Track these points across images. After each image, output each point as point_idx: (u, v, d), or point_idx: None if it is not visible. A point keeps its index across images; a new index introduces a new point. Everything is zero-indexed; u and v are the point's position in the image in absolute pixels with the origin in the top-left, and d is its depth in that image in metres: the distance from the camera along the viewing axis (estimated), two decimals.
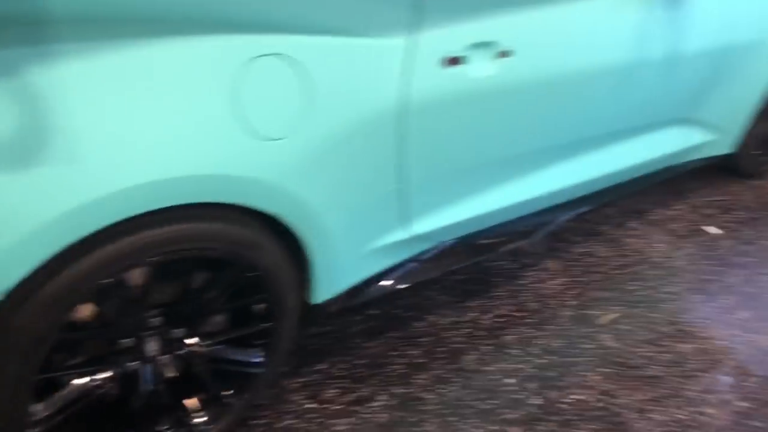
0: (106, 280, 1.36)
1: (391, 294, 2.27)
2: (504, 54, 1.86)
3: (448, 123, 1.83)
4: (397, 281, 2.02)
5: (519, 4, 1.89)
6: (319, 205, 1.63)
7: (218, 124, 1.40)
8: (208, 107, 1.39)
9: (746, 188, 3.22)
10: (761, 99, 2.86)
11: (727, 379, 2.12)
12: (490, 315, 2.32)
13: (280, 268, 1.64)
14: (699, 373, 2.17)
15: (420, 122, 1.77)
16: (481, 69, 1.83)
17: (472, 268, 2.51)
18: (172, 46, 1.34)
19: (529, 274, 2.53)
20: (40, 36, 1.22)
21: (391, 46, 1.68)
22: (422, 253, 2.09)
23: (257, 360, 1.75)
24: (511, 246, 2.28)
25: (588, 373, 2.13)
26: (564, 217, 2.41)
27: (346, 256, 1.81)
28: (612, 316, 2.37)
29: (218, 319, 1.70)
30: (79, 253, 1.30)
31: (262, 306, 1.69)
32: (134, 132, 1.30)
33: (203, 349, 1.66)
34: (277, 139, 1.50)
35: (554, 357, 2.18)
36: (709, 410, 2.04)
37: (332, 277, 1.81)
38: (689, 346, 2.28)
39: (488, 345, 2.20)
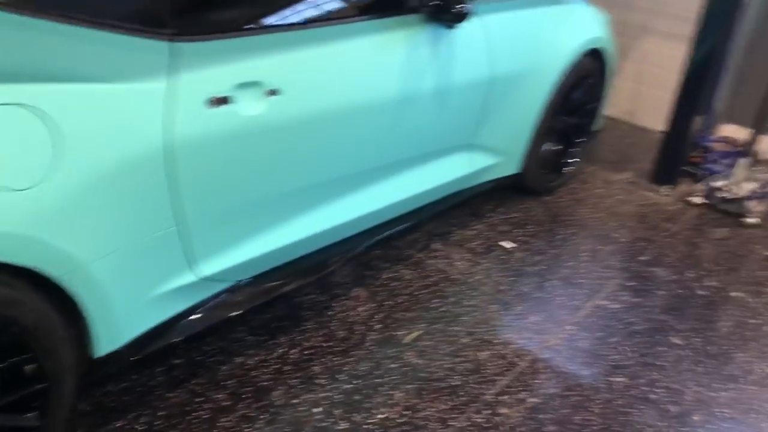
0: None
1: (194, 340, 2.25)
2: (272, 92, 1.94)
3: (219, 161, 1.86)
4: (188, 327, 2.00)
5: (284, 45, 1.98)
6: (83, 253, 1.59)
7: None
8: None
9: (538, 204, 3.52)
10: (537, 122, 3.17)
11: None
12: (298, 348, 2.35)
13: (48, 323, 1.57)
14: (496, 378, 2.32)
15: (190, 162, 1.79)
16: (248, 108, 1.89)
17: (281, 305, 2.53)
18: None
19: (338, 304, 2.59)
20: None
21: (150, 90, 1.69)
22: (217, 294, 2.09)
23: (34, 425, 1.65)
24: (305, 281, 2.34)
25: (393, 392, 2.21)
26: (362, 245, 2.51)
27: (126, 305, 1.77)
28: (415, 333, 2.49)
29: None
30: None
31: (32, 366, 1.60)
32: None
33: None
34: (24, 190, 1.45)
35: (360, 381, 2.24)
36: (504, 410, 2.19)
37: (113, 327, 1.76)
38: (486, 353, 2.43)
39: (296, 378, 2.22)
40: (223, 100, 1.83)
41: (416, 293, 2.71)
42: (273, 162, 2.01)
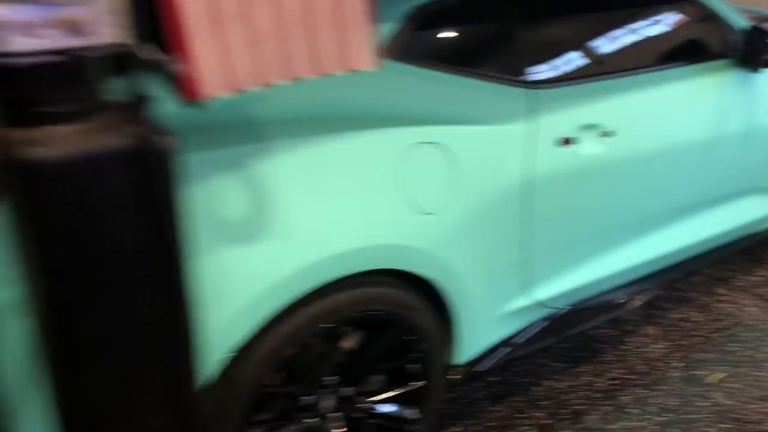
0: (306, 340, 1.57)
1: (508, 362, 2.43)
2: (606, 134, 2.11)
3: (564, 196, 2.06)
4: (518, 348, 2.19)
5: (616, 90, 2.16)
6: (463, 270, 1.84)
7: (388, 202, 1.65)
8: (381, 188, 1.64)
9: None
10: None
11: None
12: (603, 378, 2.45)
13: (434, 329, 1.83)
14: None
15: (542, 196, 2.00)
16: (589, 147, 2.07)
17: (576, 338, 2.65)
18: (352, 139, 1.62)
19: (632, 339, 2.66)
20: (258, 135, 1.50)
21: (514, 131, 1.94)
22: (539, 320, 2.26)
23: (414, 417, 1.90)
24: (615, 314, 2.45)
25: (709, 429, 2.22)
26: (660, 285, 2.57)
27: (483, 319, 1.99)
28: (720, 375, 2.48)
29: (378, 379, 1.87)
30: (287, 314, 1.52)
31: (417, 365, 1.87)
32: (329, 212, 1.55)
33: (368, 407, 1.83)
34: (432, 214, 1.73)
35: (672, 415, 2.28)
36: None
37: (471, 340, 1.99)
38: None
39: (607, 406, 2.32)
40: (568, 141, 2.03)
41: (710, 335, 2.70)
42: (606, 197, 2.17)
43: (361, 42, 1.25)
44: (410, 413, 1.90)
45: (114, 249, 1.06)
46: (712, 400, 2.36)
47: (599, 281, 2.32)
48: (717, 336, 2.70)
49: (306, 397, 1.72)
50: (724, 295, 2.98)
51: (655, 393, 2.38)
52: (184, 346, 1.19)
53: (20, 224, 1.03)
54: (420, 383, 1.88)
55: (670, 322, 2.78)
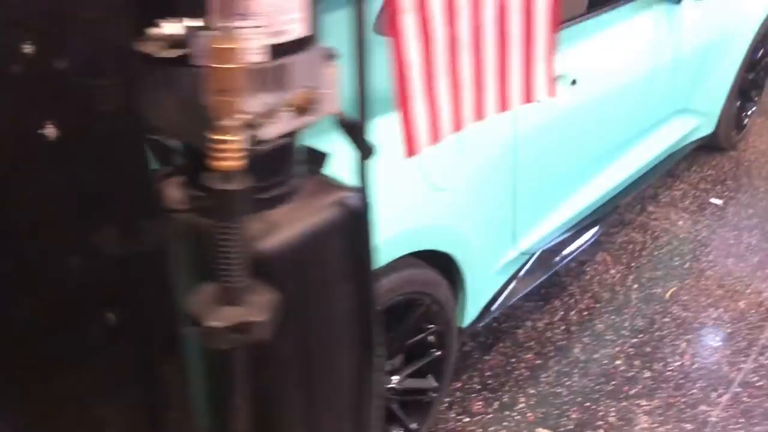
0: None
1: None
2: (573, 82, 2.16)
3: (540, 148, 2.11)
4: (508, 297, 2.26)
5: (576, 38, 2.21)
6: (470, 238, 1.86)
7: (414, 185, 1.62)
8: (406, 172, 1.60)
9: (727, 160, 3.67)
10: (733, 83, 3.32)
11: None
12: (575, 310, 2.60)
13: (449, 299, 1.86)
14: (762, 323, 2.53)
15: (523, 152, 2.03)
16: (561, 97, 2.11)
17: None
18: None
19: (590, 268, 2.83)
20: None
21: None
22: (520, 267, 2.34)
23: (434, 386, 1.94)
24: (582, 246, 2.58)
25: (677, 342, 2.44)
26: (611, 210, 2.74)
27: (484, 279, 2.04)
28: (672, 290, 2.71)
29: (400, 358, 1.88)
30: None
31: (433, 337, 1.89)
32: None
33: (393, 386, 1.85)
34: (445, 189, 1.72)
35: (644, 335, 2.48)
36: None
37: (477, 301, 2.03)
38: (743, 302, 2.64)
39: (586, 336, 2.48)
40: None
41: (655, 253, 2.93)
42: (573, 142, 2.26)
43: (546, 74, 1.21)
44: (429, 383, 1.94)
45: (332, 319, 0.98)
46: (672, 315, 2.58)
47: (570, 220, 2.43)
48: (659, 253, 2.93)
49: None
50: (654, 212, 3.22)
51: (623, 317, 2.57)
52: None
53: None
54: (437, 353, 1.92)
55: (617, 246, 2.97)
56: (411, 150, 1.16)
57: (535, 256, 2.38)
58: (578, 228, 2.58)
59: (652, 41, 2.56)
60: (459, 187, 1.77)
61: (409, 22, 0.98)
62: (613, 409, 2.18)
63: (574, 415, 2.16)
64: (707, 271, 2.82)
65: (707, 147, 3.65)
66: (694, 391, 2.26)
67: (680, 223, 3.13)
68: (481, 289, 2.03)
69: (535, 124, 2.03)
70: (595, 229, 2.66)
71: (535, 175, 2.13)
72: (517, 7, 1.16)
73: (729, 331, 2.50)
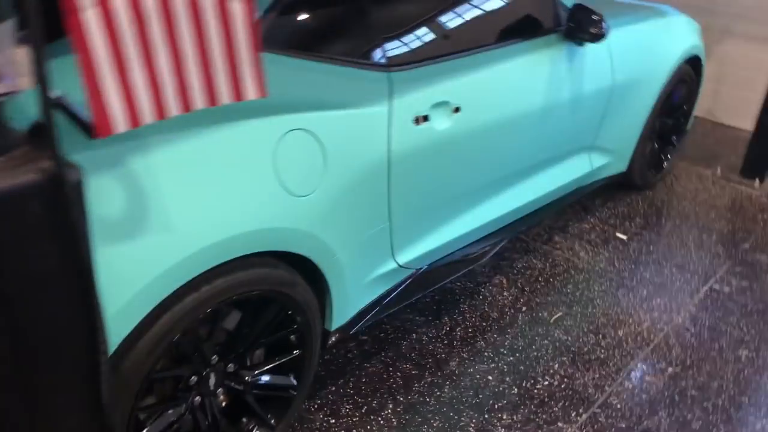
0: (192, 324, 1.65)
1: (377, 321, 2.63)
2: (456, 110, 2.31)
3: (421, 169, 2.24)
4: (384, 308, 2.38)
5: (464, 68, 2.35)
6: (335, 245, 1.98)
7: (265, 189, 1.74)
8: (257, 176, 1.72)
9: (641, 198, 3.84)
10: (645, 123, 3.50)
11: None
12: (462, 327, 2.72)
13: (310, 300, 1.97)
14: (636, 351, 2.66)
15: (401, 171, 2.17)
16: (441, 123, 2.26)
17: (439, 291, 2.91)
18: (226, 130, 1.68)
19: (485, 289, 2.96)
20: (135, 132, 1.53)
21: (376, 113, 2.07)
22: (401, 281, 2.47)
23: (293, 383, 2.05)
24: (469, 267, 2.71)
25: (551, 363, 2.57)
26: (506, 238, 2.87)
27: (354, 286, 2.16)
28: (558, 315, 2.84)
29: (259, 352, 1.99)
30: (171, 303, 1.59)
31: (294, 336, 2.00)
32: (209, 201, 1.62)
33: (251, 379, 1.95)
34: (305, 196, 1.85)
35: (520, 354, 2.60)
36: (649, 378, 2.53)
37: (344, 306, 2.15)
38: (623, 330, 2.77)
39: (466, 352, 2.59)
40: (424, 118, 2.20)
41: (551, 280, 3.06)
42: (457, 167, 2.39)
43: (252, 73, 1.33)
44: (288, 380, 2.05)
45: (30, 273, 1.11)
46: (552, 338, 2.71)
47: (454, 241, 2.56)
48: (555, 281, 3.07)
49: (192, 377, 1.80)
50: (559, 242, 3.36)
51: (505, 336, 2.69)
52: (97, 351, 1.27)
53: None
54: (298, 352, 2.02)
55: (515, 270, 3.11)
56: (101, 130, 1.23)
57: (420, 272, 2.51)
58: (468, 250, 2.72)
59: (548, 80, 2.72)
60: (321, 197, 1.89)
61: (90, 17, 1.09)
62: (474, 420, 2.29)
63: (435, 424, 2.27)
64: (596, 300, 2.96)
65: (624, 185, 3.83)
66: (556, 409, 2.38)
67: (582, 254, 3.28)
68: (349, 295, 2.15)
69: (411, 144, 2.17)
70: (490, 250, 2.81)
71: (413, 194, 2.27)
72: (211, 12, 1.26)
73: (603, 356, 2.63)
